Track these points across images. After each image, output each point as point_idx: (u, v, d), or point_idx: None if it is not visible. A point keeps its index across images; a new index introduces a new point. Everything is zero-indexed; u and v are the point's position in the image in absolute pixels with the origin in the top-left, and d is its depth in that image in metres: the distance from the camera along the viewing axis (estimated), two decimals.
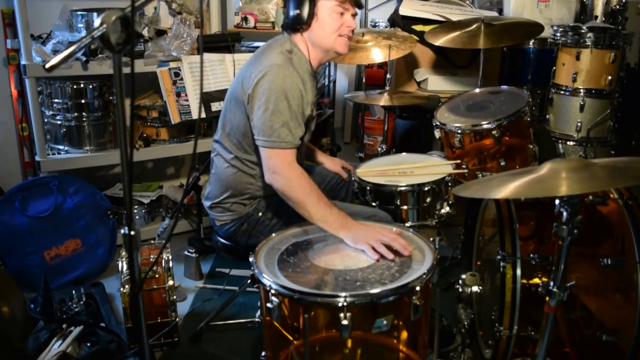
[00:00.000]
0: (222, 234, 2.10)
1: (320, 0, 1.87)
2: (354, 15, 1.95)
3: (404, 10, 3.20)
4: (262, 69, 1.83)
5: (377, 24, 4.32)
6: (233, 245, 2.08)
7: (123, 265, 2.10)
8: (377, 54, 2.76)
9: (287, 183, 1.76)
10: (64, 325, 2.02)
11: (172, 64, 2.86)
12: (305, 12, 1.86)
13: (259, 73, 1.83)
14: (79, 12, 2.75)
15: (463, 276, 1.77)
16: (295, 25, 1.90)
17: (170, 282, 2.12)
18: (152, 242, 2.32)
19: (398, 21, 3.20)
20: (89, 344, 1.99)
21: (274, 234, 1.67)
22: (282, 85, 1.79)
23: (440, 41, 2.68)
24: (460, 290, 1.77)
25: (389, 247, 1.55)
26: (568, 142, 2.99)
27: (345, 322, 1.27)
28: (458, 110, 2.51)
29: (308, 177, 1.78)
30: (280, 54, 1.87)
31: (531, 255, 1.68)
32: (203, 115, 2.88)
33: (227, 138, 2.00)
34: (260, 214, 2.01)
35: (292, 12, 1.88)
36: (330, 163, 2.38)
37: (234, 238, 2.07)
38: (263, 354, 1.57)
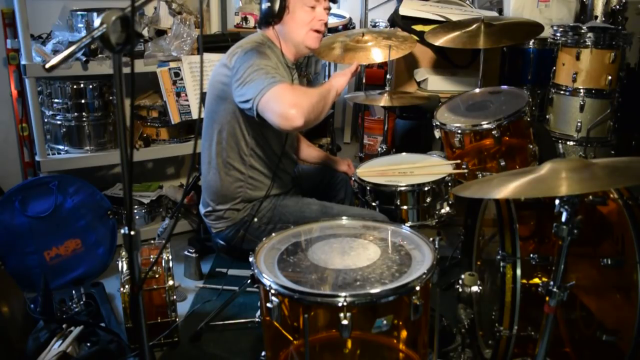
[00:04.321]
0: (219, 239, 2.10)
1: None
2: (327, 9, 1.95)
3: (404, 10, 3.19)
4: (233, 54, 1.86)
5: (377, 24, 4.32)
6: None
7: (123, 265, 2.10)
8: (377, 54, 2.76)
9: (299, 111, 1.66)
10: (64, 325, 2.02)
11: (172, 64, 2.86)
12: (277, 4, 1.87)
13: (232, 57, 1.86)
14: (79, 12, 2.75)
15: (463, 276, 1.77)
16: (268, 18, 1.92)
17: (170, 282, 2.12)
18: (152, 242, 2.32)
19: (398, 21, 3.20)
20: (89, 344, 1.99)
21: (274, 234, 1.67)
22: (256, 52, 1.82)
23: (440, 41, 2.68)
24: (460, 290, 1.77)
25: None
26: (568, 142, 2.99)
27: (345, 322, 1.27)
28: (458, 110, 2.51)
29: (299, 87, 1.87)
30: (250, 43, 1.90)
31: (531, 255, 1.68)
32: (203, 115, 2.88)
33: (213, 142, 1.99)
34: (255, 219, 1.99)
35: (265, 6, 1.90)
36: (337, 163, 2.41)
37: (231, 244, 2.06)
38: (263, 354, 1.57)
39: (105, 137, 2.84)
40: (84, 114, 2.76)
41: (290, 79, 1.96)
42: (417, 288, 1.35)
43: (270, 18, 1.91)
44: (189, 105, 2.90)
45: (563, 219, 1.29)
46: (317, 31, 1.94)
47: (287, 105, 1.67)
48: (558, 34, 2.96)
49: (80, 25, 2.72)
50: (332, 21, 3.85)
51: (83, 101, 2.75)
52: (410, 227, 1.68)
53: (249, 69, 1.77)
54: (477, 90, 2.66)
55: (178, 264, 2.66)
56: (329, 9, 1.97)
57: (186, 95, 2.88)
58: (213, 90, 1.95)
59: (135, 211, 3.04)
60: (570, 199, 1.27)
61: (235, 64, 1.83)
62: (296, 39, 1.94)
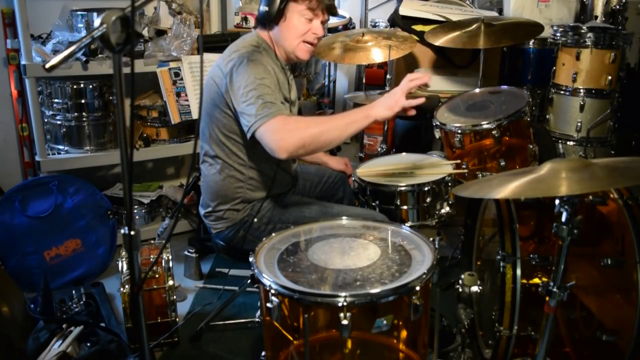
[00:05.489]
0: (219, 240, 2.09)
1: (291, 1, 1.87)
2: (324, 22, 1.95)
3: (404, 10, 3.20)
4: (229, 59, 1.85)
5: (377, 24, 4.33)
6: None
7: (123, 265, 2.10)
8: (377, 54, 2.76)
9: (292, 140, 1.69)
10: (64, 325, 2.02)
11: (172, 64, 2.86)
12: (275, 10, 1.87)
13: (228, 63, 1.84)
14: (79, 12, 2.75)
15: (463, 276, 1.77)
16: (264, 21, 1.92)
17: (170, 282, 2.12)
18: (152, 242, 2.32)
19: (398, 21, 3.20)
20: (89, 344, 1.99)
21: (274, 234, 1.67)
22: (252, 63, 1.81)
23: (440, 41, 2.68)
24: (460, 290, 1.77)
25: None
26: (568, 142, 2.99)
27: (345, 322, 1.27)
28: (458, 110, 2.51)
29: (299, 117, 1.84)
30: (246, 47, 1.89)
31: (531, 255, 1.68)
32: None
33: (211, 143, 1.98)
34: (255, 219, 1.99)
35: (262, 8, 1.91)
36: (334, 162, 2.41)
37: (231, 244, 2.06)
38: (263, 354, 1.57)
39: (105, 137, 2.84)
40: (84, 114, 2.76)
41: (287, 81, 1.97)
42: (417, 288, 1.35)
43: (266, 21, 1.92)
44: (189, 105, 2.90)
45: (563, 219, 1.29)
46: (310, 43, 1.94)
47: (279, 140, 1.71)
48: (558, 34, 2.96)
49: (80, 25, 2.72)
50: (332, 21, 3.85)
51: (83, 101, 2.75)
52: (410, 227, 1.68)
53: (247, 84, 1.78)
54: (477, 90, 2.65)
55: (178, 264, 2.66)
56: (326, 21, 1.97)
57: (186, 95, 2.88)
58: (209, 93, 1.94)
59: (135, 211, 3.04)
60: (570, 199, 1.27)
61: (231, 72, 1.83)
62: (287, 47, 1.94)
